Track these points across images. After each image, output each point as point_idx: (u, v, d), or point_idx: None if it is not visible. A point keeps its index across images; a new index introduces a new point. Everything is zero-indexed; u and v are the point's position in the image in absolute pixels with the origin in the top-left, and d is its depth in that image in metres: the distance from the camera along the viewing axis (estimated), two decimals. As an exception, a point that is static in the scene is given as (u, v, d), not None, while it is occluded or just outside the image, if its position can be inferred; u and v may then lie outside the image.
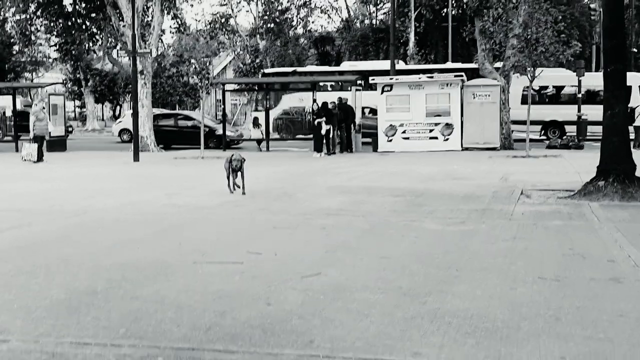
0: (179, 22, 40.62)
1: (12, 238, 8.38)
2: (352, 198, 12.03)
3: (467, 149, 26.51)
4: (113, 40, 40.04)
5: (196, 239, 8.17)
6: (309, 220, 9.58)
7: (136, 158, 23.15)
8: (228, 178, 12.94)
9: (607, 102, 11.94)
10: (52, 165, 21.10)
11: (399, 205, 11.16)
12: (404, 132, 27.05)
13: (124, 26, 29.23)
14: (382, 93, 27.17)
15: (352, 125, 27.45)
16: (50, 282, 6.03)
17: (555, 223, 9.18)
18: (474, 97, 26.56)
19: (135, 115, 24.91)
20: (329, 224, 9.22)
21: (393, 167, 19.08)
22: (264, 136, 29.73)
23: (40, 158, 22.61)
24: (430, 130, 26.93)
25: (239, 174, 12.82)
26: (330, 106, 25.63)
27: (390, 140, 27.33)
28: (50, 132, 24.79)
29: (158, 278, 6.14)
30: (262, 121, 29.99)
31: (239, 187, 12.85)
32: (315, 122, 25.15)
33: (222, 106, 30.15)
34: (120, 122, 41.39)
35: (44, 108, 24.48)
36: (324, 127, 25.05)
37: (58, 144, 28.47)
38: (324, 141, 25.22)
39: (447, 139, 26.82)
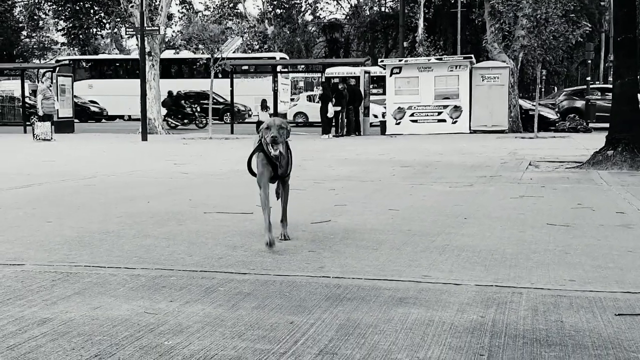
0: (187, 7, 40.63)
1: (23, 194, 8.43)
2: (361, 168, 12.05)
3: (475, 131, 26.46)
4: (121, 24, 40.06)
5: (205, 197, 8.21)
6: (318, 184, 9.60)
7: (144, 138, 23.19)
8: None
9: (616, 71, 11.91)
10: (61, 144, 21.16)
11: (408, 173, 11.17)
12: (412, 115, 27.00)
13: (132, 6, 29.24)
14: (390, 75, 27.11)
15: (360, 108, 27.43)
16: (62, 224, 6.07)
17: (564, 186, 9.19)
18: (483, 80, 26.49)
19: (143, 97, 24.92)
20: (338, 186, 9.24)
21: (402, 145, 19.09)
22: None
23: (52, 134, 22.62)
24: (439, 113, 26.87)
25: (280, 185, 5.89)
26: (340, 87, 25.62)
27: (399, 123, 27.29)
28: (57, 111, 24.81)
29: (169, 223, 6.18)
30: (270, 104, 29.98)
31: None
32: (329, 105, 25.14)
33: (230, 88, 30.11)
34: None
35: (50, 86, 24.52)
36: (332, 109, 25.03)
37: (66, 126, 28.45)
38: (332, 123, 25.22)
39: (456, 122, 26.78)
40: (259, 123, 29.63)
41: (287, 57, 45.60)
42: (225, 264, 4.52)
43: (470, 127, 26.55)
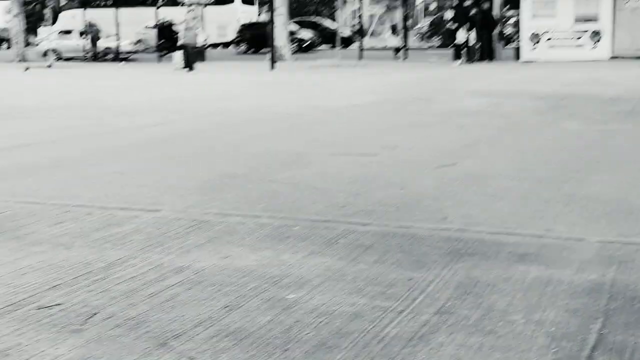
0: None
1: (158, 132, 8.86)
2: (492, 101, 11.80)
3: (615, 57, 25.16)
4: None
5: (331, 134, 8.34)
6: (445, 120, 9.52)
7: (272, 66, 23.51)
8: None
9: None
10: (193, 75, 21.83)
11: (541, 107, 10.86)
12: (548, 39, 25.94)
13: None
14: (526, -2, 26.03)
15: (493, 34, 26.60)
16: (194, 167, 6.37)
17: None
18: (626, 3, 24.99)
19: (271, 24, 25.20)
20: (466, 122, 9.14)
21: (536, 73, 18.48)
22: (403, 44, 29.37)
23: (189, 66, 23.32)
24: (578, 38, 25.68)
25: None
26: (472, 12, 24.92)
27: (534, 49, 26.32)
28: (197, 43, 25.39)
29: (293, 165, 6.35)
30: (400, 28, 29.62)
31: None
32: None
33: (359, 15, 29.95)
34: None
35: (194, 17, 25.18)
36: (463, 35, 24.44)
37: (197, 54, 29.23)
38: (463, 49, 24.64)
39: (595, 47, 25.53)
40: (397, 49, 29.41)
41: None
42: (347, 212, 4.64)
43: (610, 53, 25.26)
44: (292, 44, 36.58)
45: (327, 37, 32.52)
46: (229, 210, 4.75)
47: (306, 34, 37.38)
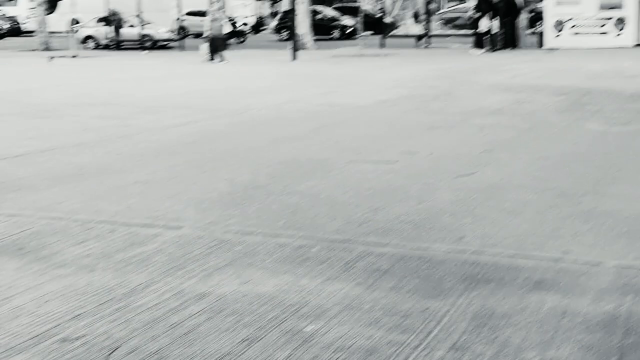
0: None
1: (181, 133, 8.94)
2: (514, 97, 11.77)
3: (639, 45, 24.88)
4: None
5: (351, 137, 8.37)
6: (466, 119, 9.52)
7: (294, 57, 23.49)
8: None
9: None
10: (220, 65, 21.90)
11: (562, 104, 10.82)
12: (572, 26, 25.70)
13: None
14: (550, -15, 25.79)
15: (516, 21, 26.39)
16: (216, 175, 6.45)
17: None
18: (652, -12, 24.67)
19: (292, 12, 25.17)
20: (488, 123, 9.13)
21: (559, 64, 18.35)
22: (426, 31, 29.21)
23: (215, 57, 23.36)
24: (602, 25, 25.42)
25: None
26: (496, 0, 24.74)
27: (558, 36, 26.09)
28: (222, 33, 25.39)
29: (313, 175, 6.40)
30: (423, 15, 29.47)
31: None
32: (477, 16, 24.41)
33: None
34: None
35: (220, 8, 25.19)
36: (486, 23, 24.26)
37: (224, 44, 29.34)
38: (486, 37, 24.47)
39: (620, 35, 25.25)
40: (419, 36, 29.25)
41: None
42: (365, 231, 4.69)
43: (635, 40, 24.97)
44: (334, 31, 36.54)
45: (369, 24, 32.35)
46: (249, 227, 4.82)
47: (349, 21, 37.21)
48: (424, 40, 29.12)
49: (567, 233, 4.57)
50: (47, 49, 31.19)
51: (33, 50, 30.77)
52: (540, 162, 6.74)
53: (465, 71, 17.02)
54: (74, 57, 27.01)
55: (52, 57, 25.69)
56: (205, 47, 23.75)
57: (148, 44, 31.65)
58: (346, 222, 4.91)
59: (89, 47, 31.35)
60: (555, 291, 3.64)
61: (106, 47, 31.90)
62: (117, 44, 31.70)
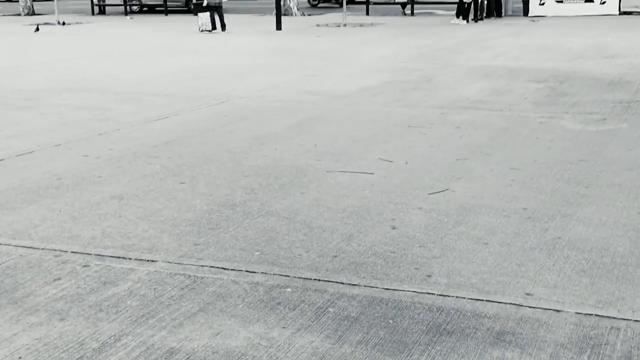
0: None
1: (160, 130, 8.98)
2: (492, 85, 11.86)
3: (625, 13, 24.90)
4: None
5: (331, 137, 8.44)
6: (444, 115, 9.60)
7: (278, 27, 23.33)
8: None
9: None
10: (214, 36, 21.76)
11: (540, 94, 10.92)
12: (557, -6, 25.68)
13: None
14: (534, -48, 25.67)
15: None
16: (194, 189, 6.52)
17: None
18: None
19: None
20: (464, 120, 9.22)
21: (540, 38, 18.37)
22: None
23: (220, 27, 23.14)
24: (587, -8, 25.41)
25: None
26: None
27: (543, 4, 26.06)
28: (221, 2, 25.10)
29: (292, 190, 6.48)
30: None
31: None
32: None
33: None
34: None
35: None
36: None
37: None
38: (469, 5, 24.38)
39: (604, 2, 25.26)
40: (404, 3, 29.09)
41: None
42: (339, 266, 4.80)
43: (619, 8, 24.98)
44: None
45: None
46: (223, 261, 4.91)
47: None
48: (408, 7, 29.00)
49: (530, 269, 4.69)
50: (31, 13, 30.81)
51: (17, 15, 30.40)
52: (512, 174, 6.85)
53: (446, 49, 17.03)
54: (62, 24, 26.72)
55: (37, 28, 25.39)
56: (204, 17, 23.53)
57: (135, 7, 31.41)
58: (320, 254, 5.01)
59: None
60: (514, 345, 3.77)
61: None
62: (141, 7, 31.48)
